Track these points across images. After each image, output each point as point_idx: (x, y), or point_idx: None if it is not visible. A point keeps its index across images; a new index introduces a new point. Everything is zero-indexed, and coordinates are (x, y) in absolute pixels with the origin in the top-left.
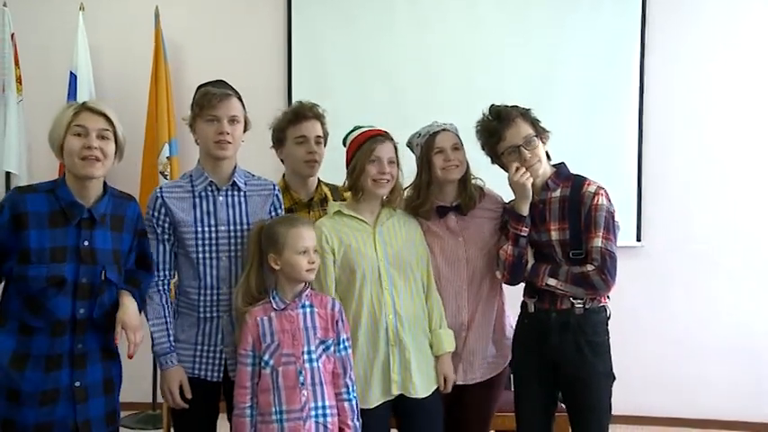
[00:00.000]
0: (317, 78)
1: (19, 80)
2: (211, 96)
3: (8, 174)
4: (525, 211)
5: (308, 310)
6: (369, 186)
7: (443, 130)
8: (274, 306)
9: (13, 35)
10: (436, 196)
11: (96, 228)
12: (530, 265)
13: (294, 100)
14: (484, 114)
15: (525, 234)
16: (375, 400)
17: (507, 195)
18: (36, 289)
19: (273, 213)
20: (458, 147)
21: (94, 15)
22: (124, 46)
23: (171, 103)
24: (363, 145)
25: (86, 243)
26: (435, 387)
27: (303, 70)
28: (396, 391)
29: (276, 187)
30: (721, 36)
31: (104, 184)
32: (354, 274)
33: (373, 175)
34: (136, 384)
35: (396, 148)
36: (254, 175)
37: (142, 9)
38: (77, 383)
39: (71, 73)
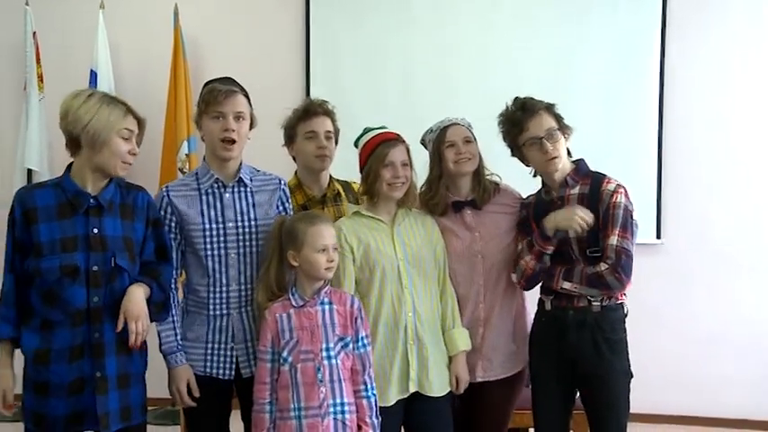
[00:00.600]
0: (334, 77)
1: (40, 78)
2: (217, 93)
3: (30, 171)
4: (552, 232)
5: (326, 307)
6: (384, 191)
7: (454, 124)
8: (293, 303)
9: (34, 33)
10: (450, 191)
11: (104, 215)
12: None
13: (310, 97)
14: (508, 105)
15: (550, 252)
16: (393, 397)
17: (524, 191)
18: (51, 280)
19: (281, 208)
20: (470, 140)
21: (114, 13)
22: (143, 44)
23: (190, 100)
24: (376, 150)
25: (96, 231)
26: (449, 389)
27: (321, 69)
28: (412, 389)
29: (283, 182)
30: (743, 31)
31: None
32: (374, 272)
33: (388, 180)
34: (156, 380)
35: (408, 150)
36: (259, 171)
37: (161, 7)
38: (98, 374)
39: (91, 71)
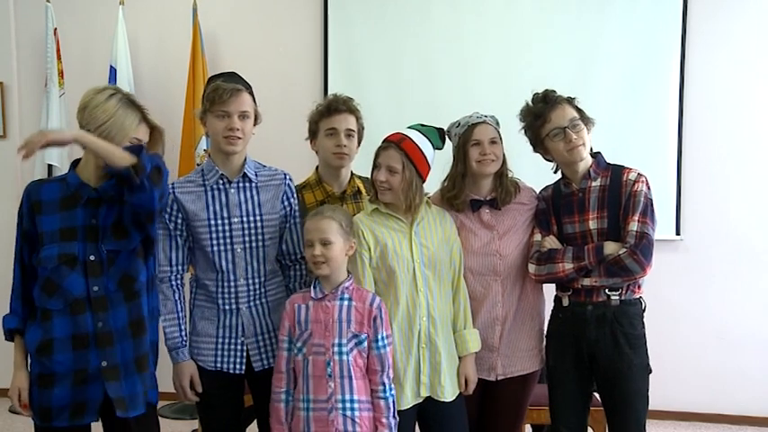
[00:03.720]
0: (352, 75)
1: (61, 74)
2: (222, 92)
3: (50, 166)
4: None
5: (345, 302)
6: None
7: (483, 122)
8: (312, 295)
9: (55, 30)
10: (471, 189)
11: (102, 205)
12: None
13: (330, 93)
14: (527, 101)
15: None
16: (407, 402)
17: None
18: (50, 269)
19: (286, 203)
20: (495, 140)
21: (134, 10)
22: (163, 40)
23: None
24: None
25: (93, 221)
26: (459, 391)
27: (339, 67)
28: (424, 393)
29: (288, 177)
30: (765, 24)
31: None
32: (390, 275)
33: (374, 180)
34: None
35: (405, 154)
36: (264, 166)
37: (180, 3)
38: (104, 363)
39: (111, 67)
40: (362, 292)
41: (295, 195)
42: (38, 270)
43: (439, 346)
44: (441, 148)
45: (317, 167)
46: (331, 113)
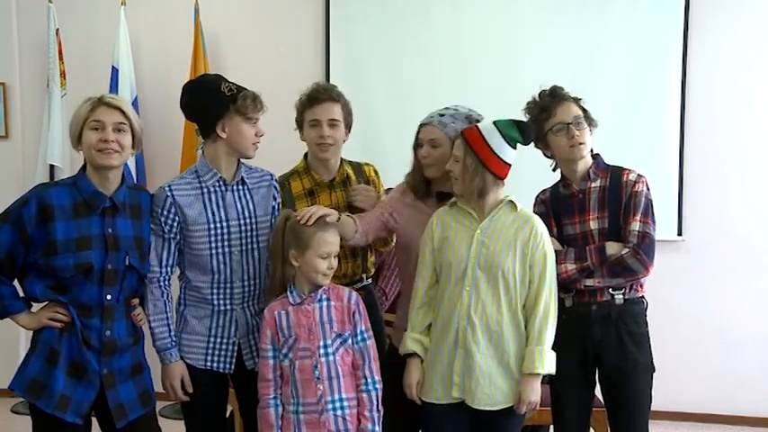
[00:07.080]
0: (354, 74)
1: (63, 74)
2: (257, 102)
3: (52, 166)
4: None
5: (324, 304)
6: None
7: (428, 123)
8: (291, 301)
9: (57, 30)
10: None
11: (118, 215)
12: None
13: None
14: (534, 96)
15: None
16: (436, 396)
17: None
18: (63, 277)
19: (274, 203)
20: (436, 144)
21: (136, 10)
22: (164, 40)
23: None
24: None
25: (110, 230)
26: (509, 405)
27: (341, 66)
28: (456, 395)
29: (273, 177)
30: (766, 24)
31: (122, 175)
32: (444, 267)
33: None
34: None
35: (464, 140)
36: (251, 168)
37: (182, 3)
38: (105, 370)
39: (113, 67)
40: (338, 290)
41: (279, 195)
42: (46, 274)
43: (473, 353)
44: (522, 142)
45: (305, 154)
46: (312, 104)
